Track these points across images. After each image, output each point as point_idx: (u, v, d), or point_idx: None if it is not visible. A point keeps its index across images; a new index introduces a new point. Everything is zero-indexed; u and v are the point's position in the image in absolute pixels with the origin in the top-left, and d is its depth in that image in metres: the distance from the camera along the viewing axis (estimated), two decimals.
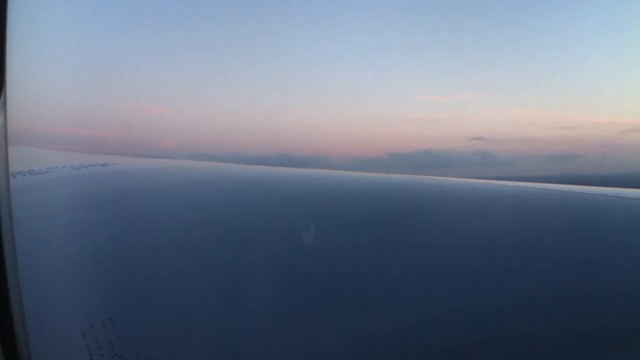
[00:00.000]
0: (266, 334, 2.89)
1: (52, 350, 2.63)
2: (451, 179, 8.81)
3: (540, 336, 2.80)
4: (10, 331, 1.46)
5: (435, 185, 8.07)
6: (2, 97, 1.37)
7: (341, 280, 3.66)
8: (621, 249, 4.26)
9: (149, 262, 4.22)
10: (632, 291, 3.40)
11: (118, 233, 5.17)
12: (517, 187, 7.80)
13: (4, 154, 1.45)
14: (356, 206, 6.16)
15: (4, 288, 1.45)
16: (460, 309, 3.15)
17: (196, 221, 5.46)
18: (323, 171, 10.71)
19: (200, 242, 4.66)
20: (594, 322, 2.96)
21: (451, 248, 4.37)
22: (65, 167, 10.24)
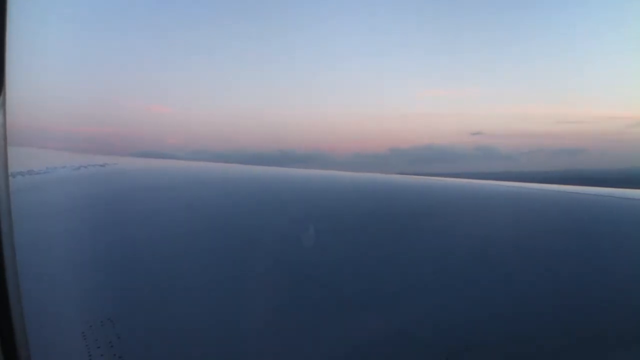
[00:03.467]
0: (266, 334, 2.89)
1: (51, 351, 2.63)
2: (452, 179, 8.81)
3: (540, 336, 2.80)
4: (10, 332, 1.46)
5: (435, 185, 8.07)
6: (1, 97, 1.36)
7: (342, 281, 3.66)
8: (622, 250, 4.27)
9: (148, 263, 4.21)
10: (632, 292, 3.41)
11: (117, 234, 5.17)
12: (518, 188, 7.80)
13: (3, 154, 1.45)
14: (357, 207, 6.16)
15: (4, 288, 1.44)
16: (461, 309, 3.15)
17: (196, 222, 5.46)
18: (324, 172, 10.71)
19: (200, 243, 4.66)
20: (594, 323, 2.97)
21: (451, 249, 4.37)
22: (64, 168, 10.22)
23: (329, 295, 3.41)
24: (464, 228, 4.99)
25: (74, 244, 4.67)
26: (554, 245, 4.42)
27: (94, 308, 3.17)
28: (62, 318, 3.11)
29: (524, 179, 9.15)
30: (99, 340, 2.71)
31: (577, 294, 3.38)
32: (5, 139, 1.44)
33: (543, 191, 6.95)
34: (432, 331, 2.88)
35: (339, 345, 2.76)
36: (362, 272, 3.83)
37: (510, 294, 3.37)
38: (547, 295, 3.34)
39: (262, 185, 8.34)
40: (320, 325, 2.99)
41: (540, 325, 2.93)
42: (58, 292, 3.50)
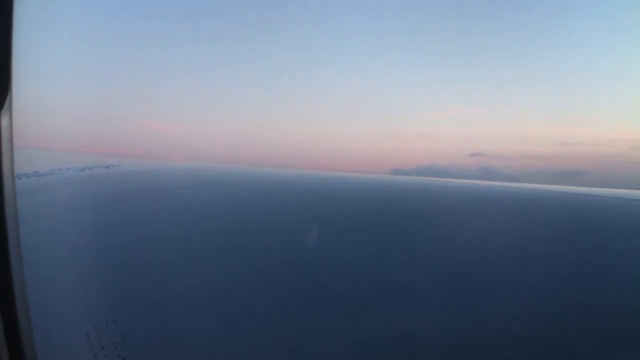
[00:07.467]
0: (268, 334, 2.89)
1: (57, 352, 2.64)
2: (455, 180, 8.79)
3: (540, 337, 2.80)
4: (16, 332, 1.46)
5: (437, 187, 8.05)
6: (8, 100, 1.37)
7: (343, 281, 3.65)
8: (624, 250, 4.25)
9: (152, 264, 4.22)
10: (632, 292, 3.40)
11: (122, 235, 5.18)
12: (520, 188, 7.78)
13: (9, 155, 1.45)
14: (359, 208, 6.15)
15: (10, 290, 1.45)
16: (461, 310, 3.15)
17: (201, 223, 5.47)
18: (327, 172, 10.70)
19: (204, 244, 4.66)
20: (594, 323, 2.96)
21: (453, 249, 4.36)
22: (69, 169, 10.27)
23: (331, 295, 3.41)
24: (465, 229, 4.98)
25: (79, 246, 4.69)
26: (552, 245, 4.40)
27: (98, 309, 3.18)
28: (68, 319, 3.12)
29: None
30: (103, 341, 2.72)
31: (575, 294, 3.37)
32: (11, 140, 1.45)
33: (546, 192, 6.92)
34: (432, 331, 2.88)
35: (340, 345, 2.76)
36: (364, 273, 3.82)
37: (509, 295, 3.36)
38: (546, 295, 3.34)
39: (266, 185, 8.34)
40: (322, 325, 2.99)
41: (540, 326, 2.92)
42: (63, 294, 3.52)
